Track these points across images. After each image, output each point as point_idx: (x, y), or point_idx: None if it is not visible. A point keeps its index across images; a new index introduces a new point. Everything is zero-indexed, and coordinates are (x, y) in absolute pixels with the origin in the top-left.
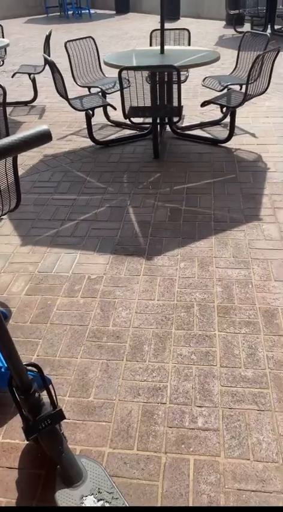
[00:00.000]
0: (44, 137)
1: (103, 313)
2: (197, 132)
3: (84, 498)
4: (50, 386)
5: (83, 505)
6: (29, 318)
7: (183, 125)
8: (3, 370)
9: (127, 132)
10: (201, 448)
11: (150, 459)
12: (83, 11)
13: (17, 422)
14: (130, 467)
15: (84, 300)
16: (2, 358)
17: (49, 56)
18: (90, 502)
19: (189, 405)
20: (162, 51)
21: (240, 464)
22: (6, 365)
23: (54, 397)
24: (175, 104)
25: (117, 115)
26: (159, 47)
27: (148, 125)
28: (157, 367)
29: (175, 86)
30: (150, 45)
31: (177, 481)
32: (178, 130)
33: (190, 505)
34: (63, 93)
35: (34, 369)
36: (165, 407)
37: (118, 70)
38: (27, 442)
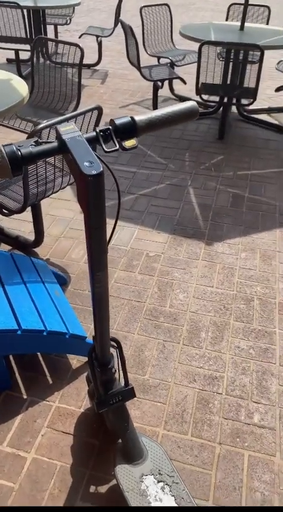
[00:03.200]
0: (193, 113)
1: (160, 292)
2: (263, 117)
3: (144, 477)
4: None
5: (143, 483)
6: (87, 286)
7: (250, 108)
8: (67, 336)
9: None
10: (256, 445)
11: (204, 447)
12: None
13: (73, 389)
14: (184, 451)
15: (142, 277)
16: (66, 323)
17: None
18: (150, 481)
19: (246, 399)
20: (242, 27)
21: None
22: (71, 331)
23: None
24: (249, 84)
25: (179, 89)
26: (237, 23)
27: (214, 104)
28: (214, 356)
29: (250, 66)
30: (226, 19)
31: (230, 473)
32: (245, 113)
33: (243, 500)
34: (135, 60)
35: (114, 344)
36: (221, 397)
37: (195, 43)
38: (83, 411)
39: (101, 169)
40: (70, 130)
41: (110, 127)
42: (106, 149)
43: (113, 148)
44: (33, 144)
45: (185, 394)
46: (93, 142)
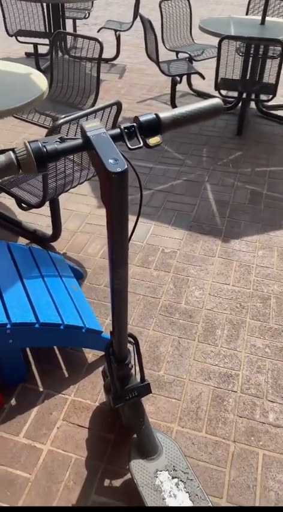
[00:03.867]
0: (217, 110)
1: (176, 289)
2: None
3: (158, 472)
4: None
5: (157, 478)
6: (104, 281)
7: (269, 104)
8: (83, 330)
9: None
10: (271, 444)
11: (218, 445)
12: None
13: (88, 383)
14: (198, 448)
15: (158, 273)
16: (83, 317)
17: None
18: (164, 477)
19: (261, 398)
20: (262, 22)
21: None
22: (87, 325)
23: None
24: (269, 80)
25: (198, 84)
26: (257, 17)
27: (232, 99)
28: (229, 354)
29: (270, 61)
30: (247, 13)
31: (245, 472)
32: (264, 109)
33: (257, 499)
34: (153, 55)
35: (131, 340)
36: (236, 395)
37: (214, 37)
38: (98, 404)
39: (125, 167)
40: (95, 127)
41: (135, 124)
42: (130, 146)
43: (137, 146)
44: (58, 140)
45: (200, 391)
46: (117, 139)
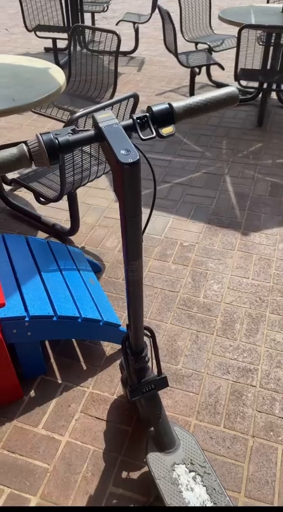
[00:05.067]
0: (233, 99)
1: (194, 282)
2: None
3: (175, 466)
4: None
5: (174, 472)
6: (121, 275)
7: None
8: (101, 324)
9: None
10: None
11: (236, 439)
12: None
13: (106, 375)
14: (216, 443)
15: (176, 266)
16: (101, 311)
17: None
18: (181, 470)
19: (281, 393)
20: None
21: None
22: (105, 319)
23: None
24: None
25: (217, 75)
26: (278, 5)
27: (253, 90)
28: (248, 348)
29: None
30: (268, 1)
31: (263, 467)
32: None
33: (276, 494)
34: (172, 46)
35: (148, 333)
36: (255, 390)
37: (233, 28)
38: (116, 397)
39: (138, 157)
40: (107, 118)
41: (147, 114)
42: (143, 137)
43: (150, 136)
44: (71, 132)
45: (218, 385)
46: (129, 129)
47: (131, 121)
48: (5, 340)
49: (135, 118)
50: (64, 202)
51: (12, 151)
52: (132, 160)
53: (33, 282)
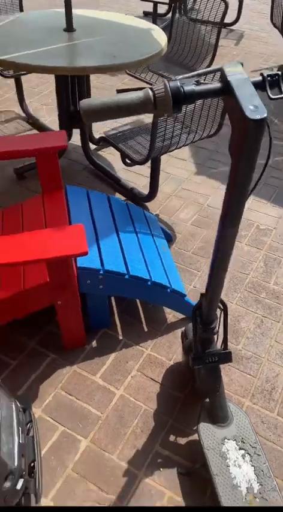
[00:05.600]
0: None
1: (266, 267)
2: None
3: (226, 440)
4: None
5: (224, 446)
6: (192, 248)
7: None
8: (168, 290)
9: None
10: None
11: None
12: None
13: (165, 341)
14: (267, 428)
15: (249, 249)
16: (169, 278)
17: None
18: (231, 446)
19: None
20: None
21: None
22: (173, 286)
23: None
24: None
25: None
26: None
27: None
28: None
29: None
30: None
31: None
32: None
33: None
34: (279, 22)
35: (221, 306)
36: None
37: None
38: (172, 363)
39: (265, 114)
40: (236, 71)
41: (279, 72)
42: (271, 96)
43: (279, 96)
44: (195, 83)
45: (277, 373)
46: (257, 87)
47: (260, 78)
48: (79, 288)
49: (265, 75)
50: (144, 168)
51: (139, 94)
52: (259, 117)
53: (111, 239)
